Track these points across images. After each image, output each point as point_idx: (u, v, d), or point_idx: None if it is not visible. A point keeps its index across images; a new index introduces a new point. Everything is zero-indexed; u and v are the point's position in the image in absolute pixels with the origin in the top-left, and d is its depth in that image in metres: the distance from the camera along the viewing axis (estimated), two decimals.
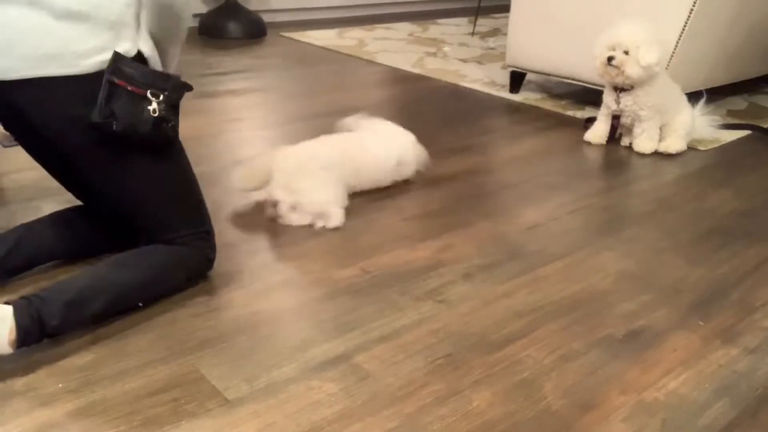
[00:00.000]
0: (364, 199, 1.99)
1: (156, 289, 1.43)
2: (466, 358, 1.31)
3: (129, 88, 1.28)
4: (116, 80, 1.27)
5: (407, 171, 2.11)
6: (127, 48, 1.31)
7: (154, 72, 1.33)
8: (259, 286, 1.52)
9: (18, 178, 2.01)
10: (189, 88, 1.39)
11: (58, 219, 1.54)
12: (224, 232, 1.75)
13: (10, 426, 1.09)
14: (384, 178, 2.06)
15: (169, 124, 1.34)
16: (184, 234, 1.45)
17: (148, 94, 1.30)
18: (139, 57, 1.34)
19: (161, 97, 1.31)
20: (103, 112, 1.27)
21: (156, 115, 1.30)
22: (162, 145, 1.38)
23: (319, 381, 1.23)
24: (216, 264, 1.58)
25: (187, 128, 2.46)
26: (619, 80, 2.40)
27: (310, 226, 1.82)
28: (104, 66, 1.27)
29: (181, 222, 1.46)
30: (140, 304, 1.40)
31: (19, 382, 1.18)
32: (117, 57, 1.28)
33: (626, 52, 2.34)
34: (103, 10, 1.27)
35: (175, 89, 1.34)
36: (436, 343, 1.35)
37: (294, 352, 1.30)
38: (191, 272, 1.49)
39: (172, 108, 1.34)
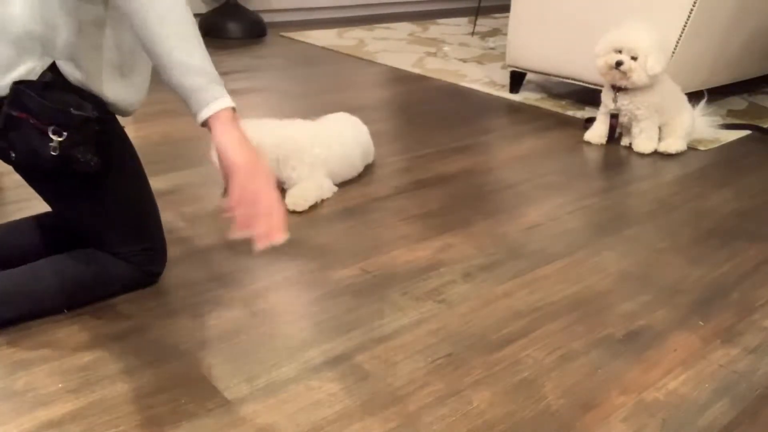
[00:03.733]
0: (363, 199, 1.99)
1: (80, 299, 1.39)
2: (466, 358, 1.31)
3: (31, 121, 1.19)
4: (15, 113, 1.19)
5: (370, 159, 2.23)
6: (31, 66, 1.20)
7: (62, 106, 1.21)
8: (259, 286, 1.52)
9: (18, 178, 2.00)
10: (103, 123, 1.27)
11: (37, 221, 1.52)
12: (223, 232, 1.75)
13: (10, 426, 1.09)
14: (357, 166, 2.13)
15: (81, 161, 1.23)
16: (121, 251, 1.41)
17: (50, 132, 1.20)
18: (54, 72, 1.23)
19: (65, 135, 1.20)
20: None
21: (56, 153, 1.20)
22: (81, 176, 1.29)
23: (319, 381, 1.23)
24: (216, 264, 1.58)
25: (187, 128, 2.47)
26: (622, 83, 2.40)
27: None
28: (6, 91, 1.20)
29: (118, 241, 1.41)
30: (65, 311, 1.38)
31: (19, 382, 1.18)
32: (18, 87, 1.19)
33: (634, 58, 2.33)
34: (5, 26, 1.18)
35: (81, 127, 1.22)
36: (436, 343, 1.35)
37: (294, 352, 1.30)
38: (125, 285, 1.44)
39: (84, 144, 1.23)
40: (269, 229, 1.10)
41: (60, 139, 1.20)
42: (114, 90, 1.32)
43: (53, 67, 1.24)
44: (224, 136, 1.17)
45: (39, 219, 1.53)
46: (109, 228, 1.41)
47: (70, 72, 1.25)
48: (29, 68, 1.21)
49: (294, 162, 1.94)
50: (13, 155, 1.23)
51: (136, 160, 1.45)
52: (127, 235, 1.42)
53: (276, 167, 1.94)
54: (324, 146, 1.99)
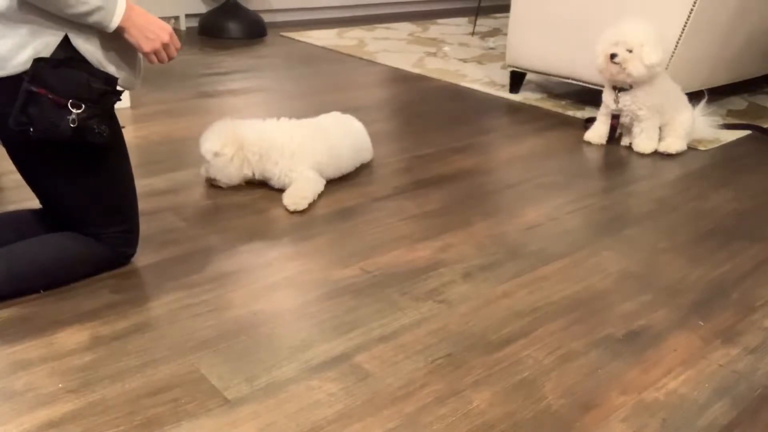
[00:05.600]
0: (363, 199, 1.99)
1: (55, 279, 1.44)
2: (466, 358, 1.31)
3: (50, 96, 1.25)
4: (35, 89, 1.25)
5: (367, 156, 2.21)
6: (47, 41, 1.27)
7: (79, 80, 1.28)
8: (259, 286, 1.52)
9: (18, 178, 2.00)
10: (118, 94, 1.36)
11: (12, 218, 1.55)
12: (223, 232, 1.75)
13: (10, 426, 1.09)
14: (346, 158, 2.12)
15: (95, 131, 1.31)
16: (102, 233, 1.47)
17: (69, 105, 1.27)
18: (67, 47, 1.29)
19: (83, 108, 1.28)
20: (18, 119, 1.26)
21: (75, 125, 1.27)
22: (87, 149, 1.36)
23: (319, 381, 1.23)
24: (216, 264, 1.58)
25: (187, 128, 2.47)
26: (621, 78, 2.39)
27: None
28: (27, 67, 1.26)
29: (101, 222, 1.47)
30: (41, 291, 1.42)
31: (19, 382, 1.18)
32: (37, 63, 1.25)
33: (630, 51, 2.34)
34: (13, 5, 1.24)
35: (100, 100, 1.31)
36: (436, 343, 1.35)
37: (294, 352, 1.30)
38: (100, 265, 1.51)
39: (99, 116, 1.31)
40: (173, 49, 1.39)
41: (79, 111, 1.28)
42: (117, 62, 1.36)
43: (66, 43, 1.29)
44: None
45: (35, 213, 1.56)
46: (95, 207, 1.45)
47: (82, 45, 1.30)
48: (44, 43, 1.27)
49: (276, 156, 1.95)
50: (32, 130, 1.27)
51: (124, 140, 1.50)
52: (111, 215, 1.48)
53: (259, 162, 1.96)
54: (305, 139, 1.99)
